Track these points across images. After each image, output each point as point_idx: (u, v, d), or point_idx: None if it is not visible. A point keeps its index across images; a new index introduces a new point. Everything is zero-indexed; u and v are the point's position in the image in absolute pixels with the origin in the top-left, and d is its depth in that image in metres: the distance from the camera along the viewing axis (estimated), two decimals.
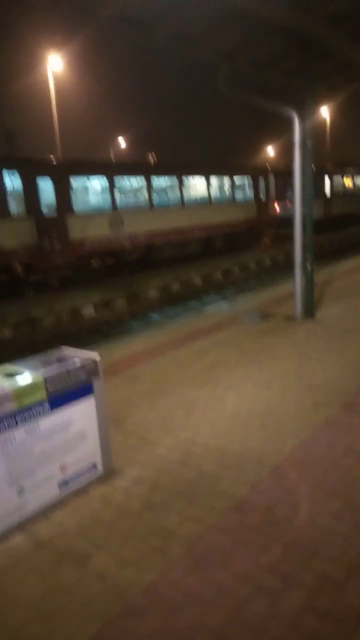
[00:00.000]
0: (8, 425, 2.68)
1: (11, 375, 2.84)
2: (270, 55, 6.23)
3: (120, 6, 4.72)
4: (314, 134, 6.76)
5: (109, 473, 3.30)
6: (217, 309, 8.79)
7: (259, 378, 4.89)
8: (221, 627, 2.05)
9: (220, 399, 4.45)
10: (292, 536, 2.57)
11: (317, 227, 10.88)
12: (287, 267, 11.23)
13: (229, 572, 2.36)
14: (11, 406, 2.69)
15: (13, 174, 12.07)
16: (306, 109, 6.47)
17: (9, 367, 2.97)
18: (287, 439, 3.62)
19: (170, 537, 2.65)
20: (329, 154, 42.71)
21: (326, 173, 23.95)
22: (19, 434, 2.74)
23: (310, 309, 7.07)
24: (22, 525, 2.80)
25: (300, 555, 2.43)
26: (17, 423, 2.72)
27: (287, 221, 8.99)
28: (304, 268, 6.91)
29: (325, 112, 41.04)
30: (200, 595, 2.23)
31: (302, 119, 6.52)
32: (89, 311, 11.85)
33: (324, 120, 43.31)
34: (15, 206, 12.24)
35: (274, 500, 2.90)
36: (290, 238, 7.03)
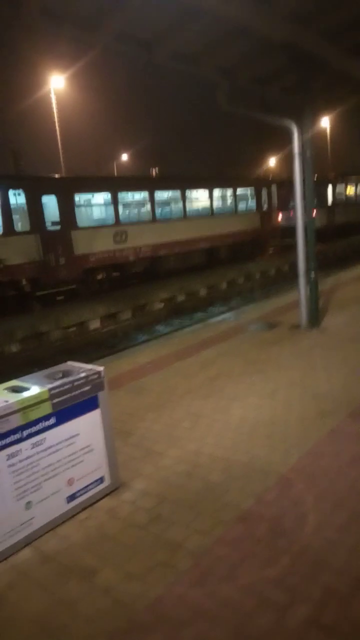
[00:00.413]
0: (14, 440, 2.71)
1: (17, 390, 2.87)
2: (270, 70, 6.34)
3: (119, 26, 4.82)
4: (315, 144, 6.83)
5: (116, 486, 3.30)
6: (222, 319, 8.80)
7: (264, 388, 4.89)
8: None
9: (226, 410, 4.45)
10: (298, 548, 2.56)
11: (321, 235, 10.92)
12: (291, 276, 11.27)
13: (235, 585, 2.35)
14: (17, 421, 2.71)
15: (19, 193, 12.26)
16: (305, 121, 6.54)
17: (15, 383, 3.00)
18: (292, 449, 3.61)
19: (177, 550, 2.65)
20: (331, 163, 42.92)
21: (329, 182, 24.04)
22: (25, 448, 2.76)
23: (314, 318, 7.07)
24: (29, 540, 2.81)
25: (307, 567, 2.42)
26: (23, 437, 2.74)
27: (290, 230, 9.04)
28: (307, 277, 6.93)
29: (326, 122, 41.36)
30: (205, 610, 2.22)
31: (302, 130, 6.59)
32: (95, 324, 11.91)
33: (325, 130, 43.61)
34: (20, 223, 12.41)
35: (280, 511, 2.89)
36: (294, 247, 7.06)
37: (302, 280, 6.97)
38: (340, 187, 25.24)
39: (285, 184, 20.05)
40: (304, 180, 6.77)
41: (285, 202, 20.29)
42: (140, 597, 2.34)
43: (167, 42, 5.25)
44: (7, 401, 2.70)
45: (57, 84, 24.28)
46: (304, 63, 6.00)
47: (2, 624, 2.27)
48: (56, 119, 24.21)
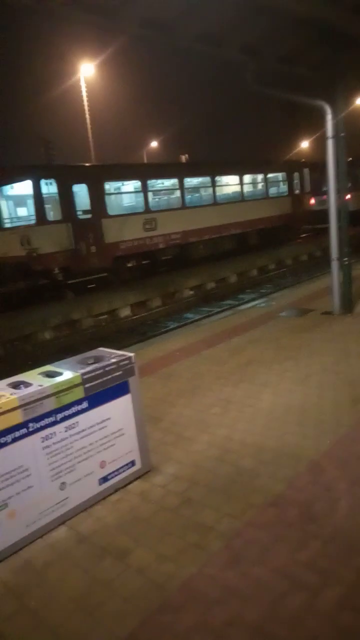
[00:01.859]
0: (49, 423, 2.78)
1: (51, 375, 2.94)
2: (297, 48, 6.13)
3: (141, 10, 4.75)
4: (351, 123, 6.61)
5: (147, 470, 3.36)
6: (253, 306, 8.73)
7: (296, 374, 4.84)
8: (258, 622, 2.06)
9: (257, 396, 4.43)
10: (330, 532, 2.55)
11: (356, 219, 10.60)
12: (324, 261, 11.04)
13: (267, 567, 2.36)
14: (51, 404, 2.79)
15: (50, 182, 12.40)
16: (338, 100, 6.34)
17: (50, 368, 3.08)
18: (324, 435, 3.57)
19: (208, 532, 2.68)
20: None
21: None
22: (59, 431, 2.84)
23: (348, 304, 6.92)
24: (64, 520, 2.90)
25: (339, 551, 2.40)
26: (57, 420, 2.82)
27: (323, 215, 8.84)
28: (340, 262, 6.77)
29: None
30: (237, 590, 2.25)
31: (334, 110, 6.39)
32: (125, 312, 12.03)
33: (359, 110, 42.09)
34: (52, 212, 12.58)
35: (312, 496, 2.87)
36: (327, 232, 6.90)
37: (335, 265, 6.81)
38: None
39: (318, 166, 19.55)
40: (337, 163, 6.58)
41: (318, 185, 19.79)
42: (173, 577, 2.39)
43: (189, 24, 5.14)
44: (41, 385, 2.77)
45: (86, 72, 24.33)
46: (333, 38, 5.79)
47: (42, 601, 2.36)
48: (86, 107, 24.29)
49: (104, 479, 3.11)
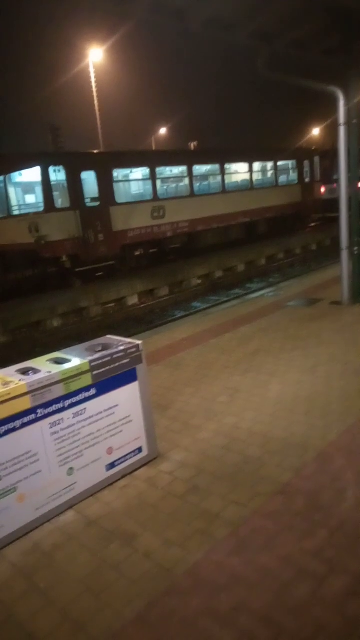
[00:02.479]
0: (57, 409, 2.80)
1: (60, 362, 2.95)
2: (310, 33, 6.01)
3: None
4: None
5: (154, 456, 3.38)
6: (261, 295, 8.69)
7: (303, 364, 4.83)
8: (264, 609, 2.08)
9: (264, 385, 4.43)
10: (337, 521, 2.55)
11: None
12: (333, 251, 10.94)
13: (273, 555, 2.38)
14: (60, 391, 2.80)
15: (59, 169, 12.35)
16: (351, 86, 6.22)
17: (58, 355, 3.09)
18: (332, 425, 3.56)
19: (215, 520, 2.70)
20: None
21: None
22: (67, 417, 2.85)
23: (357, 294, 6.86)
24: (72, 504, 2.93)
25: (346, 540, 2.41)
26: (65, 407, 2.84)
27: (334, 203, 8.73)
28: (350, 252, 6.70)
29: None
30: (243, 577, 2.27)
31: (348, 96, 6.28)
32: (133, 300, 12.03)
33: None
34: (61, 200, 12.55)
35: (319, 485, 2.88)
36: (337, 221, 6.83)
37: (344, 254, 6.75)
38: None
39: (328, 154, 19.30)
40: (349, 150, 6.49)
41: (329, 173, 19.56)
42: (180, 562, 2.41)
43: (200, 9, 5.05)
44: (50, 372, 2.78)
45: (95, 57, 24.07)
46: (346, 23, 5.66)
47: (51, 582, 2.39)
48: (95, 93, 24.09)
49: (112, 465, 3.13)
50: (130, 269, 14.12)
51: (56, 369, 2.84)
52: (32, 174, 12.62)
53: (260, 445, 3.42)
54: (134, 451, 3.25)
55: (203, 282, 13.54)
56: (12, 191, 13.60)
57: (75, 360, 2.94)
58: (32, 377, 2.72)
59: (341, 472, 2.99)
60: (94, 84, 24.08)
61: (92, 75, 24.08)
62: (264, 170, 18.83)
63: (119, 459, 3.17)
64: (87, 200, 12.89)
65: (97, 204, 13.06)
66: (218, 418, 3.91)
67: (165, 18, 5.08)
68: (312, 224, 21.21)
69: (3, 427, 2.58)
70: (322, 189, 20.48)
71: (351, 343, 5.27)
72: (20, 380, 2.68)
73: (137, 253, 14.59)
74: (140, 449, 3.30)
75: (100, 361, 2.99)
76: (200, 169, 16.35)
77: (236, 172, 17.52)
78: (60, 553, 2.59)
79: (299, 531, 2.52)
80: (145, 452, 3.33)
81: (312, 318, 6.42)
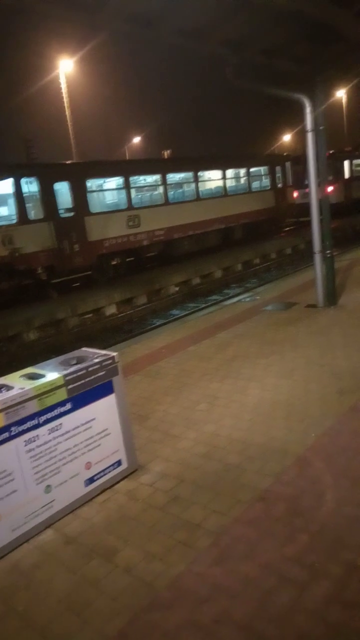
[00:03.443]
0: (32, 426, 2.75)
1: (33, 377, 2.90)
2: (278, 42, 6.12)
3: (121, 5, 4.70)
4: (331, 117, 6.63)
5: (134, 469, 3.34)
6: (238, 301, 8.74)
7: (281, 368, 4.86)
8: (247, 619, 2.06)
9: (243, 391, 4.44)
10: (317, 526, 2.56)
11: (338, 211, 10.64)
12: (308, 254, 11.11)
13: (255, 563, 2.37)
14: (34, 407, 2.75)
15: (31, 181, 12.26)
16: (317, 94, 6.35)
17: (32, 370, 3.04)
18: (310, 429, 3.59)
19: (196, 530, 2.68)
20: (347, 137, 41.78)
21: (345, 156, 23.43)
22: (42, 433, 2.80)
23: (331, 297, 6.96)
24: (51, 523, 2.87)
25: (326, 545, 2.42)
26: (40, 423, 2.79)
27: (307, 208, 8.86)
28: (323, 255, 6.81)
29: (342, 93, 40.18)
30: (226, 588, 2.25)
31: (314, 103, 6.40)
32: (111, 310, 11.96)
33: (341, 102, 42.39)
34: (34, 211, 12.43)
35: (299, 490, 2.89)
36: (310, 225, 6.93)
37: (317, 258, 6.85)
38: (357, 162, 24.56)
39: (300, 160, 19.62)
40: (317, 156, 6.61)
41: (301, 178, 19.86)
42: (161, 576, 2.38)
43: (170, 18, 5.09)
44: (23, 388, 2.73)
45: (66, 68, 24.02)
46: (312, 32, 5.79)
47: (29, 602, 2.33)
48: (66, 104, 24.01)
49: (90, 480, 3.08)
50: (107, 279, 14.05)
51: (29, 384, 2.79)
52: (4, 186, 12.47)
53: (239, 451, 3.42)
54: (113, 464, 3.22)
55: (181, 289, 13.56)
56: None
57: (49, 375, 2.90)
58: (5, 395, 2.66)
59: (320, 475, 3.00)
60: (65, 95, 24.03)
61: (63, 85, 24.03)
62: (237, 177, 19.01)
63: (98, 473, 3.13)
64: (61, 211, 12.80)
65: (71, 214, 12.98)
66: (198, 426, 3.90)
67: (136, 28, 5.10)
68: (287, 229, 21.50)
69: None
70: (295, 194, 20.79)
71: (327, 345, 5.33)
72: None
73: (113, 262, 14.54)
74: (119, 462, 3.26)
75: (75, 375, 2.95)
76: (174, 177, 16.42)
77: (210, 180, 17.66)
78: (39, 573, 2.53)
79: (280, 537, 2.52)
80: (124, 465, 3.29)
81: (289, 322, 6.48)
